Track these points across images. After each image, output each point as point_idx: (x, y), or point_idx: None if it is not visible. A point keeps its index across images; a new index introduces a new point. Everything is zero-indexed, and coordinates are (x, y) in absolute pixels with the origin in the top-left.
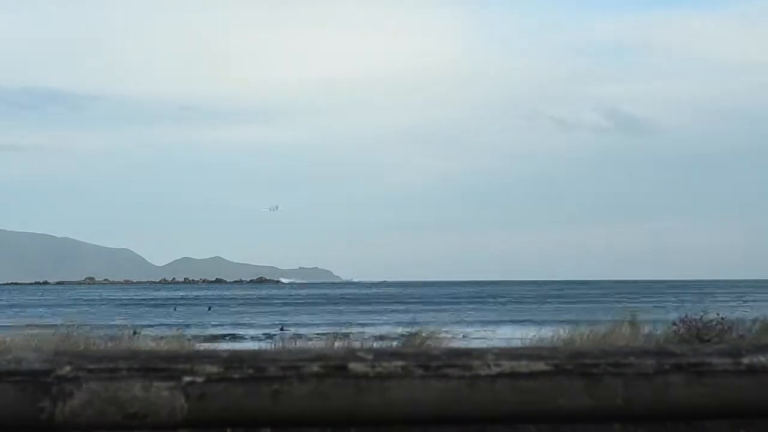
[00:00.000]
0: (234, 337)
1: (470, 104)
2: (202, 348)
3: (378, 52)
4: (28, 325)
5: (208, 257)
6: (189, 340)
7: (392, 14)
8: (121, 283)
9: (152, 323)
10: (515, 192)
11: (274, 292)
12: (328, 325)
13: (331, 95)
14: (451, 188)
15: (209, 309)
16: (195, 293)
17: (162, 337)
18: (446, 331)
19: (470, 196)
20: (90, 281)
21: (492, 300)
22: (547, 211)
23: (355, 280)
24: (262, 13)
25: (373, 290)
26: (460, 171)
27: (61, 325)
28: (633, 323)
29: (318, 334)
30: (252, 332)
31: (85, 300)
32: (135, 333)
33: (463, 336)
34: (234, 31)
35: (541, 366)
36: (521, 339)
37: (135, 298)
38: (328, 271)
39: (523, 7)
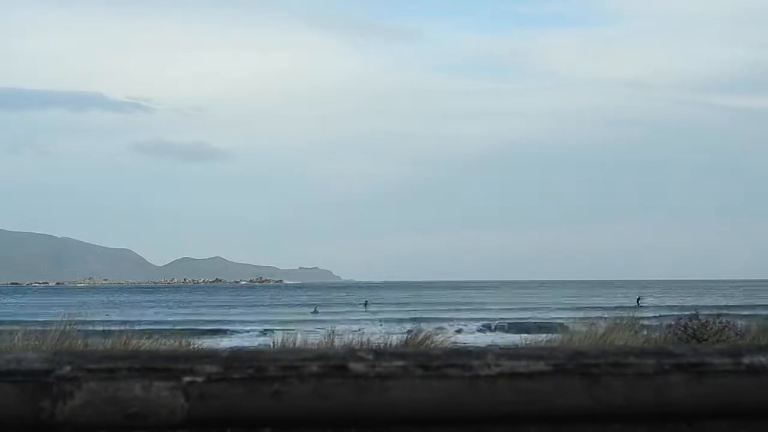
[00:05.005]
0: None
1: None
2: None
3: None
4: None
5: (208, 257)
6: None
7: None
8: (121, 284)
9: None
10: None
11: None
12: None
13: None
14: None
15: (315, 311)
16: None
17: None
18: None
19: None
20: (90, 281)
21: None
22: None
23: (356, 280)
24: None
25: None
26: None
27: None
28: None
29: None
30: None
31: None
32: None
33: None
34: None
35: (541, 366)
36: None
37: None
38: (327, 271)
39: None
